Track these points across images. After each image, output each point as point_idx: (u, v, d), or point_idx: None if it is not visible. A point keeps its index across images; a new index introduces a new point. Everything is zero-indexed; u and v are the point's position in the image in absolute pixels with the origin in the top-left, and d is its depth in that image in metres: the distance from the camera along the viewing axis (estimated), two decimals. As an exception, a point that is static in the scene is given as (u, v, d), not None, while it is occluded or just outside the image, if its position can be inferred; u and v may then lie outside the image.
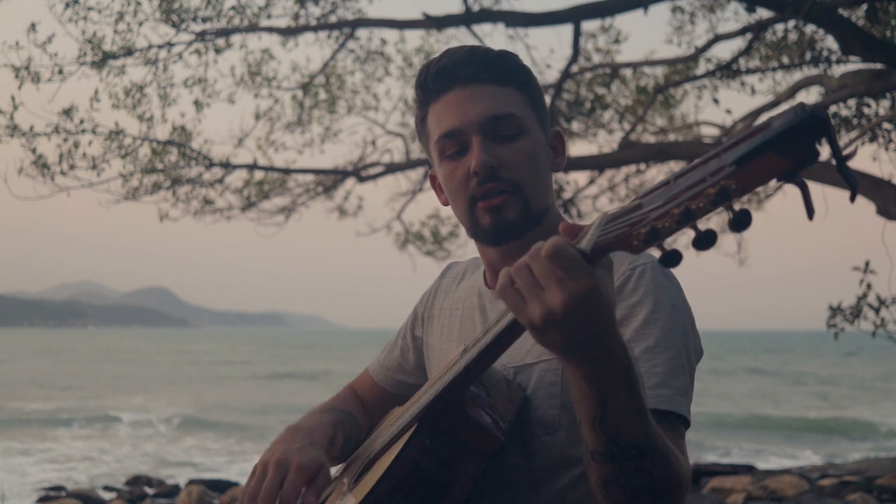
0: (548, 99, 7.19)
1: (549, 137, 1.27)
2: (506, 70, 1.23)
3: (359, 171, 8.50)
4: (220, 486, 10.61)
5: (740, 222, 0.65)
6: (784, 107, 7.85)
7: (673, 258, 0.70)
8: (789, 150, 0.63)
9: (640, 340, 1.08)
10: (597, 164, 6.67)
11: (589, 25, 7.49)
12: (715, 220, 8.00)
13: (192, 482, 10.64)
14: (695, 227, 0.68)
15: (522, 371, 1.20)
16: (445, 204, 1.31)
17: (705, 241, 0.68)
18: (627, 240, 0.72)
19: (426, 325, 1.47)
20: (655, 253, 0.72)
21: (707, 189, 0.66)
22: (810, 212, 0.65)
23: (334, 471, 1.41)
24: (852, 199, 0.68)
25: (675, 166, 8.61)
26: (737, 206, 0.66)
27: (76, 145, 7.64)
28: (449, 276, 1.48)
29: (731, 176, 0.65)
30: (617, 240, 0.73)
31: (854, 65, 6.29)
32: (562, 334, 0.81)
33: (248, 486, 1.18)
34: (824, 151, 0.66)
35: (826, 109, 7.06)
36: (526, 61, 1.29)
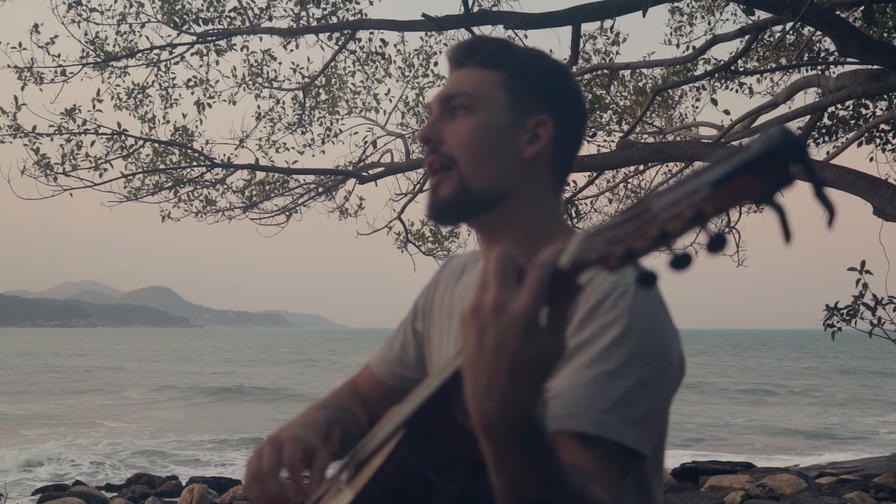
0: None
1: (525, 122, 1.23)
2: (488, 54, 1.25)
3: (359, 172, 8.54)
4: (221, 485, 10.66)
5: (715, 245, 0.66)
6: (782, 108, 7.88)
7: (648, 279, 0.70)
8: (763, 173, 0.63)
9: (600, 363, 1.04)
10: (595, 164, 6.69)
11: (588, 27, 7.51)
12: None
13: (193, 481, 10.69)
14: (670, 248, 0.68)
15: None
16: None
17: (680, 262, 0.67)
18: (605, 259, 0.71)
19: (427, 318, 1.45)
20: (631, 273, 0.73)
21: (683, 211, 0.66)
22: (787, 235, 0.65)
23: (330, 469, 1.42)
24: (830, 223, 0.66)
25: (674, 167, 8.66)
26: (712, 229, 0.66)
27: (78, 146, 7.69)
28: (449, 269, 1.46)
29: (707, 198, 0.65)
30: (595, 258, 0.72)
31: (851, 66, 6.32)
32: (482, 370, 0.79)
33: (247, 472, 1.17)
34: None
35: (823, 112, 7.10)
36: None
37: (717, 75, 7.60)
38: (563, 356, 0.79)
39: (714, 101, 7.87)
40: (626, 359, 1.04)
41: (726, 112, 8.07)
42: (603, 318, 1.07)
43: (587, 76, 7.84)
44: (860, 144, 7.18)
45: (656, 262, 0.72)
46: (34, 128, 7.54)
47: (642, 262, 0.71)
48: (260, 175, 8.69)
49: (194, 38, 7.76)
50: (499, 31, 6.72)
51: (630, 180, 9.16)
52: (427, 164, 1.24)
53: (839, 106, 7.01)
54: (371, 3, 9.53)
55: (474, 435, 1.07)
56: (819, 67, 7.03)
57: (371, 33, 8.19)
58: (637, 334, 1.05)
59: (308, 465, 1.18)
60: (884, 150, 7.32)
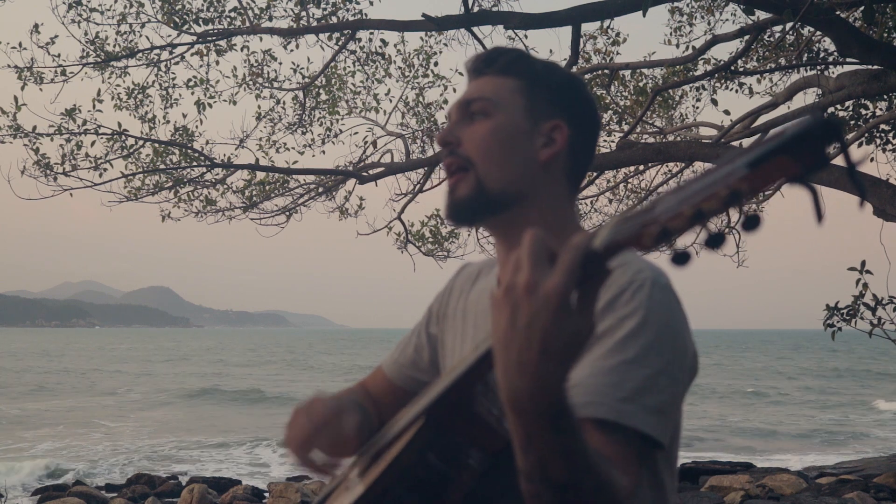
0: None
1: (541, 127, 1.26)
2: (506, 63, 1.28)
3: (359, 172, 8.54)
4: (221, 485, 10.66)
5: (751, 223, 0.67)
6: (782, 108, 7.88)
7: (683, 257, 0.71)
8: (801, 154, 0.65)
9: (618, 352, 1.05)
10: (595, 164, 6.67)
11: (588, 27, 7.51)
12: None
13: (193, 481, 10.70)
14: (705, 228, 0.70)
15: None
16: None
17: (715, 241, 0.69)
18: (639, 239, 0.73)
19: (441, 323, 1.47)
20: (666, 252, 0.73)
21: (719, 191, 0.67)
22: (819, 215, 0.67)
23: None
24: (861, 204, 0.69)
25: (674, 167, 8.66)
26: (747, 208, 0.68)
27: (79, 146, 7.69)
28: (463, 275, 1.48)
29: (744, 178, 0.66)
30: (629, 238, 0.74)
31: (851, 66, 6.31)
32: (514, 350, 0.80)
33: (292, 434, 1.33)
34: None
35: (825, 111, 7.10)
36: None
37: (717, 75, 7.61)
38: (592, 338, 0.81)
39: (714, 102, 7.88)
40: (643, 349, 1.05)
41: (726, 112, 8.07)
42: (621, 310, 1.08)
43: (587, 76, 7.84)
44: (860, 145, 7.18)
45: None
46: (34, 128, 7.54)
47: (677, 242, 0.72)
48: (260, 175, 8.70)
49: (194, 38, 7.76)
50: (499, 32, 6.73)
51: (630, 180, 9.16)
52: (445, 166, 1.26)
53: (839, 106, 7.02)
54: (371, 3, 9.54)
55: (492, 426, 1.08)
56: (819, 67, 7.03)
57: (371, 33, 8.19)
58: (654, 326, 1.07)
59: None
60: (884, 151, 7.33)
